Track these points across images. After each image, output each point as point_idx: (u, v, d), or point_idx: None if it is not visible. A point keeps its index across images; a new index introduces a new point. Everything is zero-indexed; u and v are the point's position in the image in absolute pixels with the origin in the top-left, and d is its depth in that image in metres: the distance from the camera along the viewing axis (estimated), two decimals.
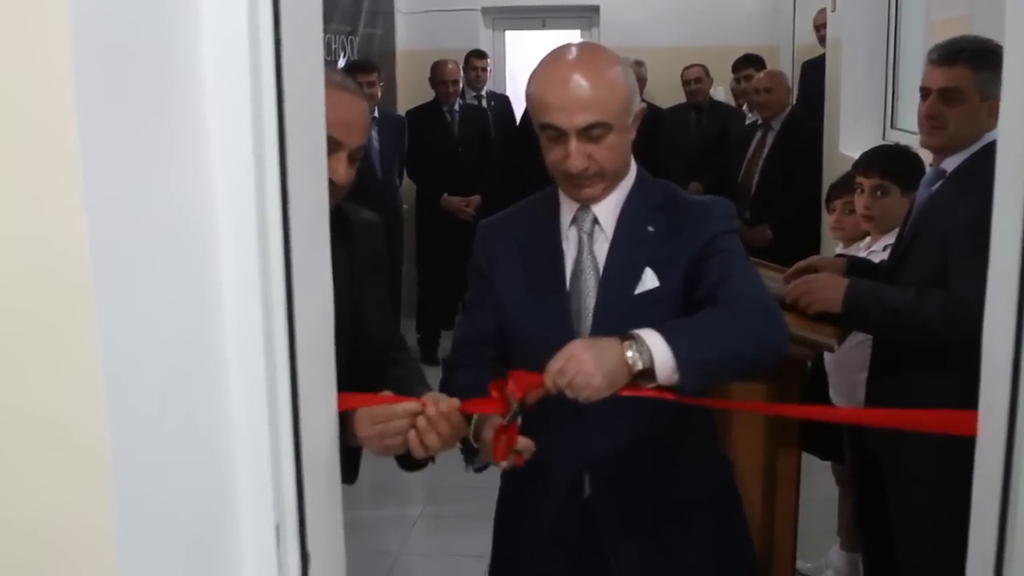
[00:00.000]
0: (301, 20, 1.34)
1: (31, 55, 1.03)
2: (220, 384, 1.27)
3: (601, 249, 2.02)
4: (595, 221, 2.03)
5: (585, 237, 2.03)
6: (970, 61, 2.58)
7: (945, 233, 2.51)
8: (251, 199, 1.23)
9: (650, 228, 2.00)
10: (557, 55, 1.98)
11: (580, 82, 1.90)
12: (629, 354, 1.70)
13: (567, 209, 2.05)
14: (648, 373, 1.72)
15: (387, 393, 1.79)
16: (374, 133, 6.04)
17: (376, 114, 6.07)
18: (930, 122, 2.66)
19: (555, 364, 1.70)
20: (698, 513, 2.08)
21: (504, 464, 1.79)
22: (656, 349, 1.71)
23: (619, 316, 1.94)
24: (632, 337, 1.73)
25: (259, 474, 1.30)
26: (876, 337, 2.78)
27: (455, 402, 1.79)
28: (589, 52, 1.99)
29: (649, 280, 1.97)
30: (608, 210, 2.03)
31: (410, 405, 1.73)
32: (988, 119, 2.56)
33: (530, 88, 1.98)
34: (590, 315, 1.99)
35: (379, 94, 6.04)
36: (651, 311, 1.92)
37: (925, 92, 2.68)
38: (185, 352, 1.22)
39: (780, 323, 1.88)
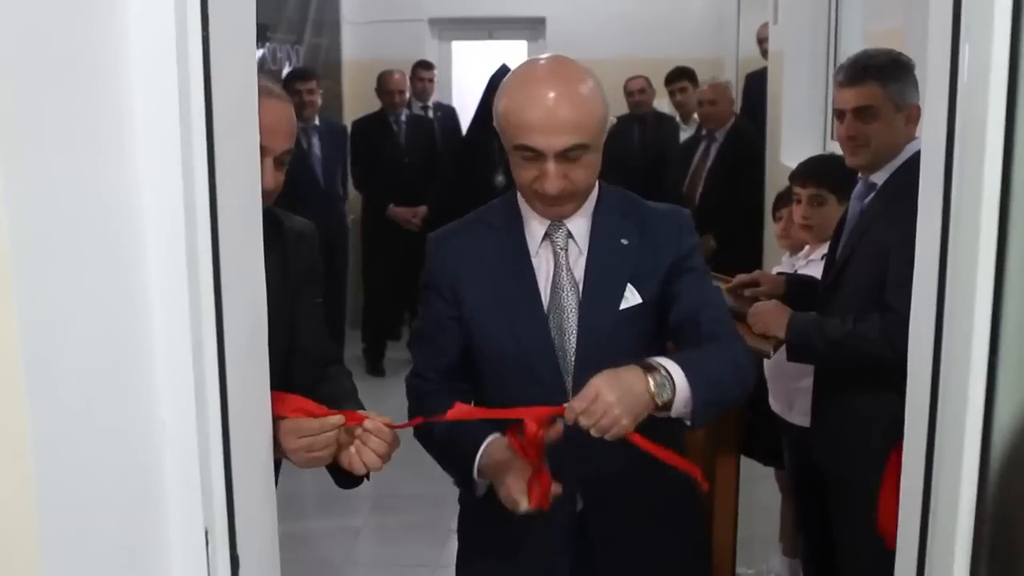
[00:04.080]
0: (231, 23, 1.34)
1: None
2: (148, 385, 1.26)
3: (577, 264, 1.97)
4: (569, 235, 1.98)
5: (561, 252, 1.97)
6: (877, 76, 2.64)
7: (882, 249, 2.52)
8: (179, 200, 1.22)
9: (624, 240, 1.97)
10: (531, 72, 1.91)
11: (562, 104, 1.82)
12: (654, 387, 1.71)
13: (537, 224, 1.99)
14: (663, 405, 1.74)
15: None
16: (315, 141, 6.00)
17: (317, 122, 6.03)
18: (851, 143, 2.71)
19: (579, 404, 1.68)
20: (673, 519, 2.12)
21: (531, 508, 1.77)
22: (679, 382, 1.74)
23: (604, 333, 1.94)
24: (654, 368, 1.74)
25: (188, 478, 1.29)
26: (822, 367, 2.82)
27: (386, 419, 1.78)
28: (565, 69, 1.89)
29: (632, 296, 1.95)
30: (580, 223, 1.98)
31: (335, 418, 1.71)
32: (906, 128, 2.63)
33: (503, 106, 1.89)
34: (574, 333, 1.95)
35: (319, 102, 5.97)
36: (634, 327, 1.95)
37: (840, 114, 2.73)
38: (111, 353, 1.21)
39: (752, 360, 1.96)
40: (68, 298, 1.14)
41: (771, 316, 2.74)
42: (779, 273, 3.29)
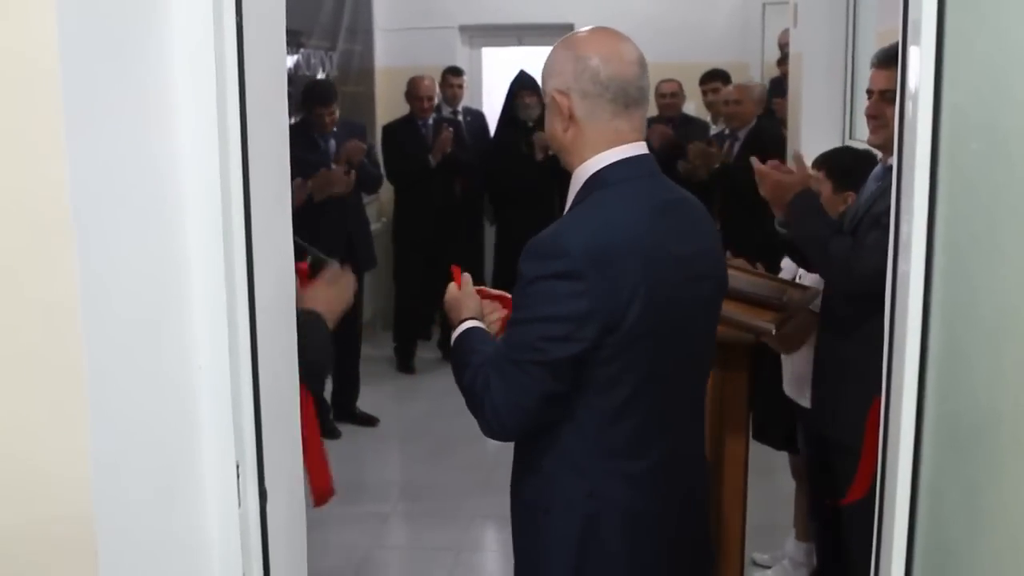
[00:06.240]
0: (264, 12, 1.49)
1: (19, 27, 1.17)
2: (186, 333, 1.41)
3: None
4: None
5: None
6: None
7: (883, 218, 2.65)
8: (215, 165, 1.37)
9: None
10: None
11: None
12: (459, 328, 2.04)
13: None
14: None
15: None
16: (332, 142, 5.81)
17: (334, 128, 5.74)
18: (873, 121, 2.86)
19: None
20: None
21: None
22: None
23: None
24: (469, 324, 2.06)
25: (221, 416, 1.44)
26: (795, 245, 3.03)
27: None
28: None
29: None
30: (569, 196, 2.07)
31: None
32: None
33: None
34: None
35: (336, 120, 5.72)
36: None
37: (869, 94, 2.89)
38: (155, 303, 1.36)
39: (508, 413, 1.87)
40: (119, 254, 1.29)
41: (784, 186, 2.96)
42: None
